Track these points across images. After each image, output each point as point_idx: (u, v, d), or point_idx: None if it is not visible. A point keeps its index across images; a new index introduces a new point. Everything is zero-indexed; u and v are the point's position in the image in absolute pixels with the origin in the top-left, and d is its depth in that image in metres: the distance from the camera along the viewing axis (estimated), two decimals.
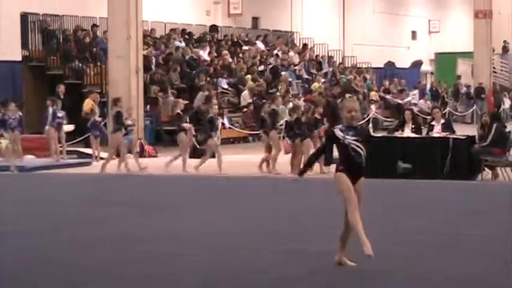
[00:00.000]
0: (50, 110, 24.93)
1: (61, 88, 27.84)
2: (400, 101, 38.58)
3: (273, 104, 23.96)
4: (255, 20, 43.64)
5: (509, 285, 8.90)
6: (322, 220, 12.83)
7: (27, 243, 11.62)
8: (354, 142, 9.39)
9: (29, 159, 24.95)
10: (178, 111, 23.67)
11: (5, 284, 9.07)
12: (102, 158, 24.93)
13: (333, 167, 9.64)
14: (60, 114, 25.09)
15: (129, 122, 23.27)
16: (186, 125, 23.06)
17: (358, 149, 9.41)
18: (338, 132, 9.49)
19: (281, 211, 14.49)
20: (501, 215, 13.67)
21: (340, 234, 9.55)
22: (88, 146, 26.48)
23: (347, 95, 32.89)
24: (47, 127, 24.82)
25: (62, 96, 27.07)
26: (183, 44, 36.36)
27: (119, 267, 9.99)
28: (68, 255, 10.75)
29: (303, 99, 34.14)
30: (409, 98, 39.81)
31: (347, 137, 9.40)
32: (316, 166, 21.42)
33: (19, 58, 32.12)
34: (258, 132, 25.11)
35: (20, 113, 25.00)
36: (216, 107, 25.29)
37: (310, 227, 12.64)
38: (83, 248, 11.18)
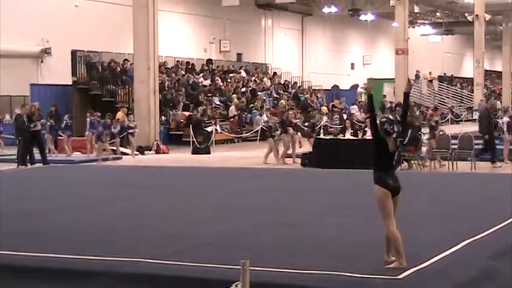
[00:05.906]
0: (88, 120, 24.77)
1: None
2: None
3: (324, 115, 22.91)
4: (239, 55, 43.52)
5: (418, 242, 8.70)
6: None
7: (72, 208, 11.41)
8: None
9: (76, 155, 24.68)
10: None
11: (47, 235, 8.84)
12: (125, 154, 24.66)
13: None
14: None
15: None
16: (290, 129, 21.97)
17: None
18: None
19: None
20: (412, 194, 13.33)
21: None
22: (121, 145, 25.96)
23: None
24: (86, 132, 24.66)
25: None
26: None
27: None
28: (107, 216, 10.52)
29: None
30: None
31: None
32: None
33: (70, 82, 31.94)
34: (240, 135, 23.08)
35: (70, 121, 24.90)
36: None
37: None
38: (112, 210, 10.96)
